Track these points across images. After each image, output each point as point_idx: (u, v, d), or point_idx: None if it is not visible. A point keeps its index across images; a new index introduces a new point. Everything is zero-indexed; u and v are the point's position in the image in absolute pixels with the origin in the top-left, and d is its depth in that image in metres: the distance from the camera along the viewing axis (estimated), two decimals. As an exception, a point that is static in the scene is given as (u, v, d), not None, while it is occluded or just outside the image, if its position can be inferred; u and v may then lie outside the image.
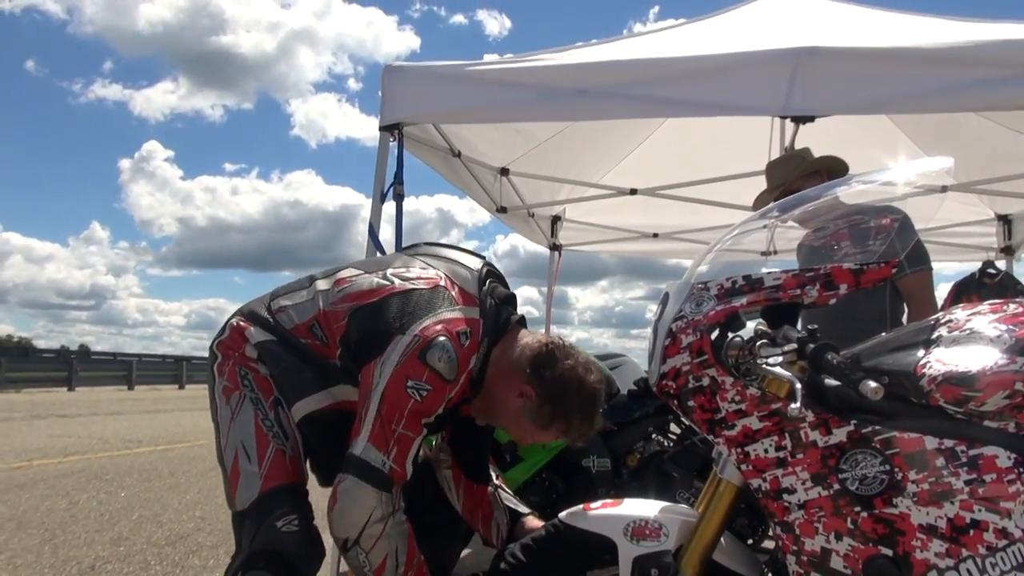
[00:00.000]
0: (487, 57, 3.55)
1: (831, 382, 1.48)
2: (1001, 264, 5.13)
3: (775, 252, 3.22)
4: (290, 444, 1.91)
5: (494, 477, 2.32)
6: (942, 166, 1.62)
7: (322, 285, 2.01)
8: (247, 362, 1.97)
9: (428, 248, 2.16)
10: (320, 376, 1.93)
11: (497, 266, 2.15)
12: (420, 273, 1.96)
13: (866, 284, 1.47)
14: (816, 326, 1.49)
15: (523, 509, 2.28)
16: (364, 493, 1.72)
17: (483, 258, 2.11)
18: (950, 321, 1.49)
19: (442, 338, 1.78)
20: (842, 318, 2.63)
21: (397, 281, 1.93)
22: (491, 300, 1.99)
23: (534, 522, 2.20)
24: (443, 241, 2.22)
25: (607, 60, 3.30)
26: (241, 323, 2.02)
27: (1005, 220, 5.78)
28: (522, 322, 2.08)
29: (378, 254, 3.49)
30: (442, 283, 1.93)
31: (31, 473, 7.00)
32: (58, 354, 31.42)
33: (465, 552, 2.66)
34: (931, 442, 1.35)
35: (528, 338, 2.00)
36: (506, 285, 2.13)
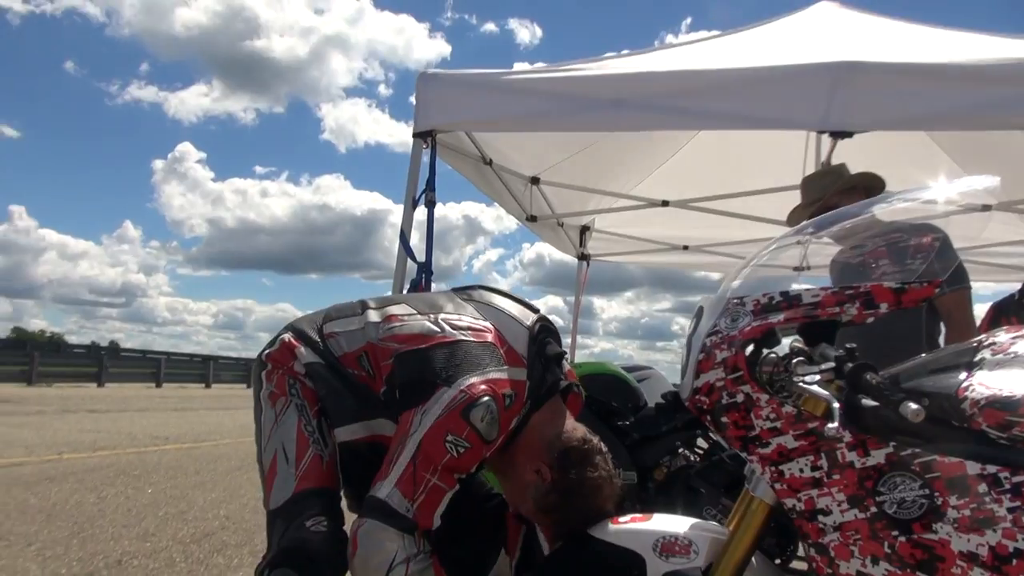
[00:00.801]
0: (517, 66, 3.56)
1: (869, 403, 1.45)
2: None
3: (808, 268, 3.18)
4: (329, 451, 1.90)
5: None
6: (987, 185, 1.58)
7: (373, 316, 2.01)
8: (296, 375, 1.97)
9: (482, 294, 2.13)
10: (361, 406, 1.93)
11: (549, 319, 2.10)
12: (471, 323, 1.95)
13: (908, 303, 1.45)
14: (854, 345, 1.46)
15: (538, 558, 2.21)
16: (386, 536, 1.69)
17: (538, 312, 2.09)
18: (993, 344, 1.45)
19: (487, 398, 1.76)
20: (876, 338, 2.58)
21: (448, 329, 1.92)
22: (540, 361, 1.95)
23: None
24: (500, 287, 2.19)
25: (643, 71, 3.29)
26: (293, 341, 2.02)
27: (1047, 240, 5.67)
28: (568, 389, 2.04)
29: (409, 261, 3.49)
30: (491, 337, 1.92)
31: (61, 467, 7.09)
32: (89, 350, 31.82)
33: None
34: (973, 467, 1.31)
35: (571, 424, 1.96)
36: (559, 342, 2.09)
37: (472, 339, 1.90)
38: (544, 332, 2.04)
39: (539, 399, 1.92)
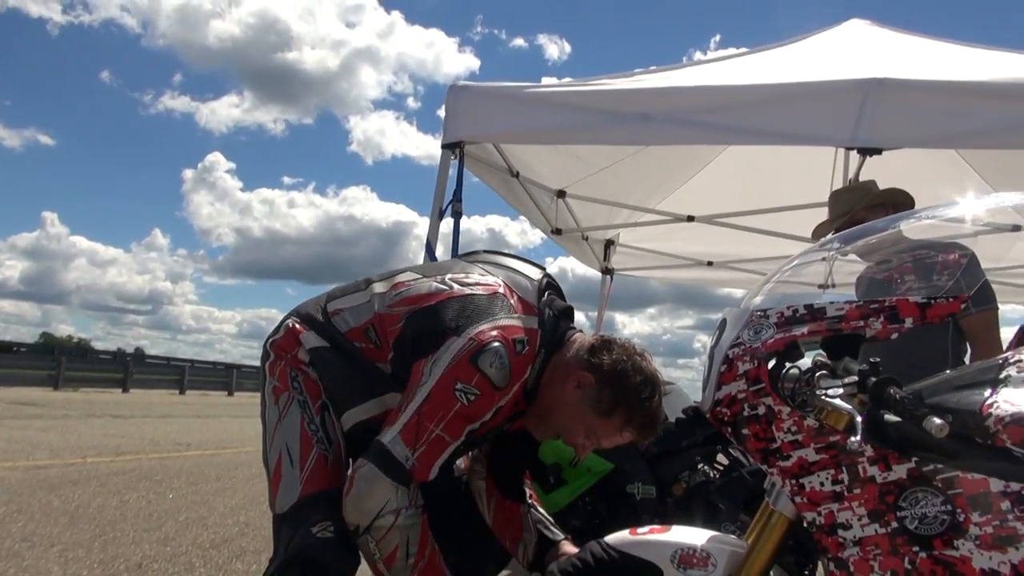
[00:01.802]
0: (545, 81, 3.58)
1: (892, 417, 1.44)
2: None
3: (833, 285, 3.16)
4: (333, 450, 1.90)
5: (529, 497, 2.29)
6: (1019, 202, 1.57)
7: (379, 288, 2.00)
8: (298, 364, 1.96)
9: (488, 256, 2.15)
10: (371, 385, 1.92)
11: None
12: (479, 279, 1.95)
13: (933, 319, 1.43)
14: (878, 359, 1.46)
15: (556, 534, 2.22)
16: (381, 484, 1.71)
17: (543, 269, 2.10)
18: (1020, 361, 1.44)
19: (496, 344, 1.77)
20: (902, 361, 2.56)
21: (456, 286, 1.92)
22: (550, 311, 1.97)
23: (569, 547, 2.15)
24: (503, 250, 2.21)
25: (671, 86, 3.31)
26: (297, 326, 2.01)
27: (1076, 262, 5.58)
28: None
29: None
30: (501, 290, 1.92)
31: (85, 470, 7.17)
32: (114, 356, 32.21)
33: (504, 573, 2.64)
34: (996, 484, 1.30)
35: (581, 336, 2.00)
36: (564, 298, 2.11)
37: (482, 292, 1.90)
38: (551, 287, 2.06)
39: (552, 348, 1.94)
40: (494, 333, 1.79)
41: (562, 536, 2.22)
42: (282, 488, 1.85)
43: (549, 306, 1.99)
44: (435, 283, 1.95)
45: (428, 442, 1.74)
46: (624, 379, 1.89)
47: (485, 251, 2.21)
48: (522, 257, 2.15)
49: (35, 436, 9.59)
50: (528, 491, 2.31)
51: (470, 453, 2.31)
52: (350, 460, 1.98)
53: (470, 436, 1.82)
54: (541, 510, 2.29)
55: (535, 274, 2.05)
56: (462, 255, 2.25)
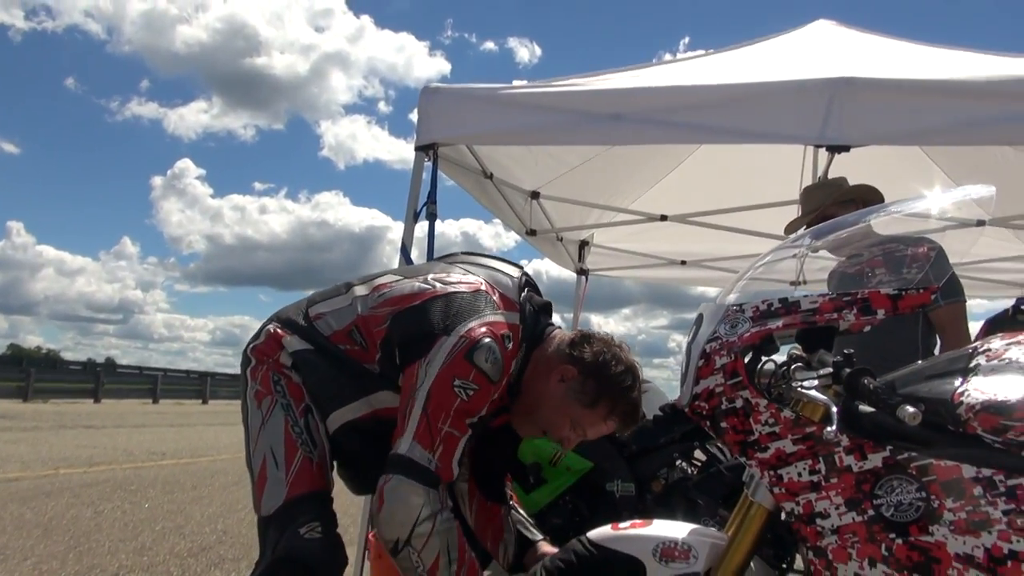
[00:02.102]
0: (516, 83, 3.59)
1: (866, 408, 1.47)
2: (1036, 301, 5.05)
3: (804, 282, 3.20)
4: (318, 452, 1.90)
5: (509, 498, 2.30)
6: (983, 194, 1.61)
7: (360, 291, 2.01)
8: (280, 368, 1.96)
9: (466, 257, 2.18)
10: (358, 385, 1.93)
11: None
12: (461, 278, 1.97)
13: (904, 309, 1.47)
14: (852, 351, 1.49)
15: (535, 534, 2.24)
16: (411, 491, 1.71)
17: (521, 268, 2.13)
18: (988, 350, 1.47)
19: (487, 339, 1.80)
20: (872, 352, 2.60)
21: (439, 285, 1.94)
22: (530, 307, 2.02)
23: (547, 547, 2.16)
24: (480, 251, 2.24)
25: (643, 86, 3.33)
26: (278, 331, 2.00)
27: (1041, 255, 5.70)
28: None
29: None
30: (483, 288, 1.94)
31: (57, 482, 7.08)
32: (85, 366, 31.75)
33: (485, 574, 2.65)
34: (968, 470, 1.33)
35: (560, 332, 2.05)
36: (541, 295, 2.15)
37: (465, 290, 1.92)
38: (529, 285, 2.10)
39: (532, 344, 1.98)
40: (483, 329, 1.82)
41: (540, 536, 2.23)
42: (267, 491, 1.84)
43: (529, 302, 2.03)
44: (418, 283, 1.96)
45: (443, 441, 1.75)
46: (606, 370, 1.93)
47: (463, 252, 2.23)
48: (500, 257, 2.18)
49: (5, 449, 9.44)
50: (508, 492, 2.32)
51: None
52: (334, 463, 2.00)
53: (471, 428, 1.83)
54: (521, 511, 2.30)
55: (514, 272, 2.08)
56: (440, 257, 2.26)
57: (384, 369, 1.91)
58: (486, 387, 1.79)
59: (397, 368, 1.87)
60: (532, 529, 2.25)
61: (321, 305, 2.03)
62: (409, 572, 1.75)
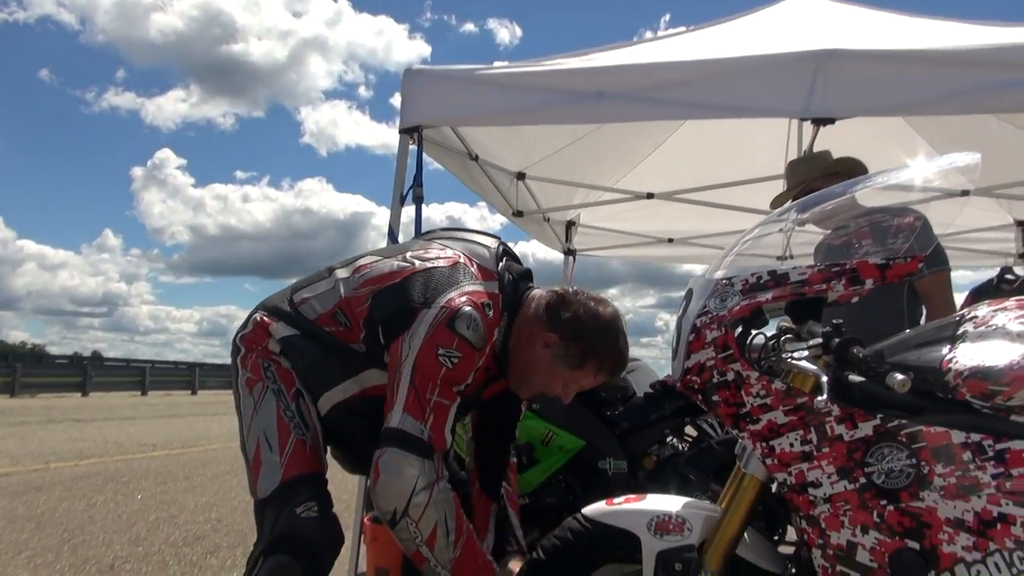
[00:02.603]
0: (498, 64, 3.57)
1: (856, 377, 1.48)
2: (1019, 270, 5.08)
3: (791, 256, 3.21)
4: (310, 435, 1.93)
5: (504, 497, 2.32)
6: (968, 162, 1.61)
7: (342, 273, 2.04)
8: (270, 355, 1.99)
9: (444, 232, 2.21)
10: (345, 365, 1.96)
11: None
12: (439, 253, 2.00)
13: (892, 278, 1.48)
14: (841, 321, 1.50)
15: (512, 545, 2.24)
16: (406, 462, 1.74)
17: (498, 238, 2.16)
18: (975, 317, 1.49)
19: (468, 308, 1.82)
20: (859, 322, 2.62)
21: (417, 262, 1.97)
22: (509, 275, 2.05)
23: (515, 564, 2.10)
24: (458, 226, 2.26)
25: (626, 63, 3.31)
26: (265, 318, 2.04)
27: (1024, 225, 5.75)
28: None
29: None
30: (462, 260, 1.98)
31: (48, 476, 7.05)
32: (71, 360, 31.57)
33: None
34: (957, 436, 1.35)
35: (537, 293, 2.07)
36: (520, 263, 2.18)
37: (443, 264, 1.95)
38: (506, 253, 2.13)
39: (514, 310, 2.02)
40: (463, 299, 1.85)
41: (515, 548, 2.23)
42: (263, 474, 1.87)
43: (508, 271, 2.06)
44: (397, 261, 1.99)
45: (433, 410, 1.78)
46: (586, 331, 1.97)
47: (442, 229, 2.27)
48: (477, 230, 2.22)
49: (-6, 444, 9.41)
50: (509, 487, 2.34)
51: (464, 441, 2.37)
52: (327, 446, 2.02)
53: (459, 396, 1.85)
54: (513, 516, 2.31)
55: (491, 243, 2.12)
56: (420, 235, 2.28)
57: (370, 347, 1.93)
58: (470, 354, 1.82)
59: (382, 346, 1.90)
60: (513, 539, 2.26)
61: (305, 291, 2.06)
62: (407, 543, 1.78)
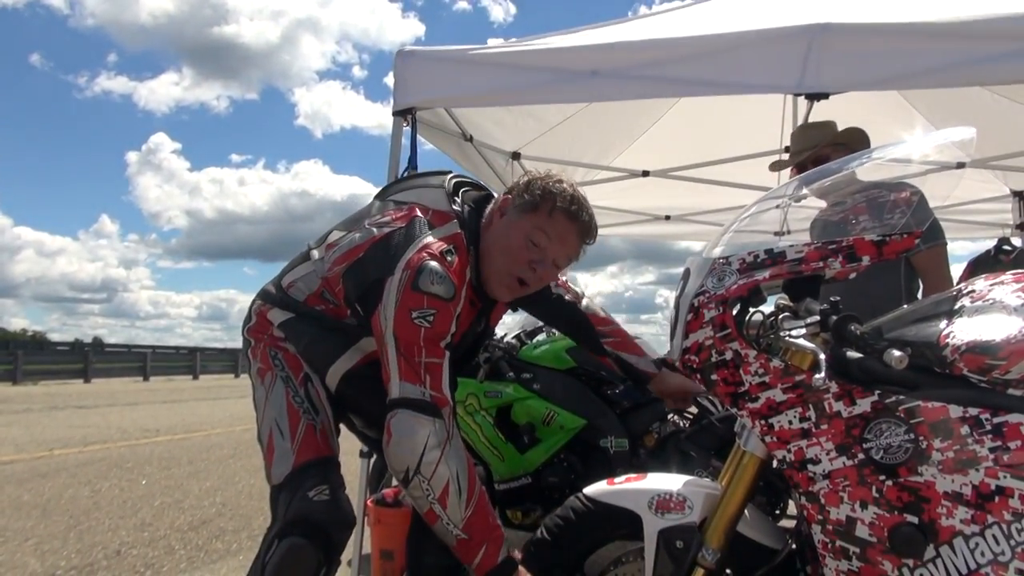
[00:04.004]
0: (492, 43, 3.54)
1: (853, 354, 1.49)
2: (1017, 241, 5.10)
3: (788, 232, 3.22)
4: (320, 419, 1.97)
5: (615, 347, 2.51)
6: (963, 136, 1.61)
7: (316, 254, 2.08)
8: (276, 342, 2.04)
9: (397, 185, 2.22)
10: (343, 337, 2.00)
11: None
12: (395, 214, 1.99)
13: (889, 255, 1.48)
14: (838, 298, 1.50)
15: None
16: (416, 422, 1.75)
17: (449, 171, 2.17)
18: (972, 291, 1.49)
19: (429, 262, 1.82)
20: (857, 298, 2.63)
21: (375, 230, 1.97)
22: (468, 207, 2.05)
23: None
24: (409, 173, 2.26)
25: (619, 41, 3.29)
26: (262, 307, 2.09)
27: (1021, 196, 5.74)
28: None
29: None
30: (416, 214, 1.97)
31: (52, 463, 7.08)
32: (72, 347, 31.56)
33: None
34: (955, 411, 1.36)
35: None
36: (481, 188, 2.19)
37: (400, 224, 1.95)
38: (459, 185, 2.13)
39: (479, 239, 2.03)
40: (422, 255, 1.84)
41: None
42: (276, 460, 1.92)
43: (466, 203, 2.07)
44: (358, 235, 2.00)
45: (427, 371, 1.79)
46: (535, 180, 2.00)
47: (395, 182, 2.29)
48: (429, 172, 2.23)
49: (-3, 433, 9.44)
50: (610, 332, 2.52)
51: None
52: (339, 427, 2.08)
53: (447, 348, 1.86)
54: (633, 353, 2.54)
55: (441, 180, 2.11)
56: (378, 193, 2.28)
57: (360, 320, 1.96)
58: (443, 307, 1.82)
59: (365, 317, 1.92)
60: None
61: (290, 274, 2.10)
62: (420, 501, 1.78)
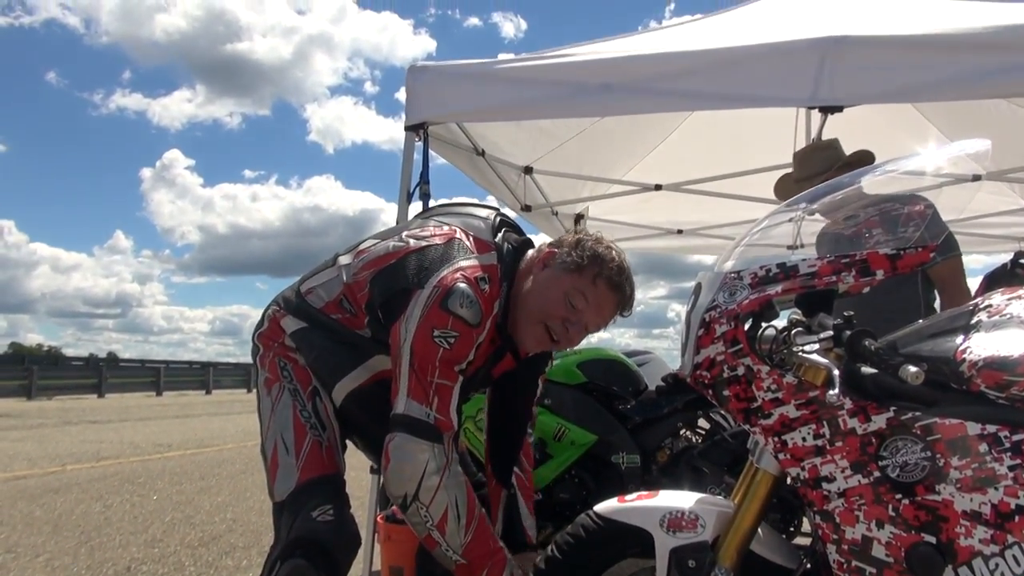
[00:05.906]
0: (503, 58, 3.55)
1: (868, 369, 1.46)
2: (1033, 254, 5.03)
3: (801, 245, 3.19)
4: (327, 435, 1.94)
5: (517, 486, 2.31)
6: (978, 148, 1.59)
7: (344, 260, 2.05)
8: (286, 352, 2.01)
9: (442, 208, 2.21)
10: (355, 353, 1.97)
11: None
12: (434, 231, 1.98)
13: (903, 269, 1.46)
14: (852, 313, 1.48)
15: (520, 536, 2.24)
16: (415, 447, 1.73)
17: (496, 208, 2.15)
18: (989, 306, 1.47)
19: (461, 284, 1.81)
20: (873, 312, 2.60)
21: (412, 241, 1.95)
22: (508, 246, 2.03)
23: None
24: (456, 200, 2.26)
25: (631, 54, 3.28)
26: (277, 313, 2.06)
27: (1037, 209, 5.68)
28: None
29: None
30: (457, 235, 1.96)
31: (65, 478, 7.09)
32: (87, 362, 31.70)
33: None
34: (973, 428, 1.33)
35: (532, 252, 2.09)
36: (521, 232, 2.17)
37: (438, 241, 1.94)
38: (504, 224, 2.11)
39: (514, 280, 2.01)
40: (456, 275, 1.83)
41: (521, 540, 2.23)
42: (279, 476, 1.89)
43: (507, 241, 2.05)
44: (393, 242, 1.98)
45: (436, 393, 1.77)
46: (585, 242, 1.99)
47: (440, 205, 2.28)
48: (474, 202, 2.21)
49: (11, 447, 9.47)
50: (522, 473, 2.33)
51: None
52: (345, 443, 2.04)
53: (461, 374, 1.84)
54: (523, 505, 2.30)
55: (488, 213, 2.11)
56: (419, 213, 2.28)
57: (375, 332, 1.93)
58: (467, 332, 1.80)
59: (385, 329, 1.89)
60: (521, 529, 2.25)
61: (311, 280, 2.08)
62: (419, 527, 1.78)
